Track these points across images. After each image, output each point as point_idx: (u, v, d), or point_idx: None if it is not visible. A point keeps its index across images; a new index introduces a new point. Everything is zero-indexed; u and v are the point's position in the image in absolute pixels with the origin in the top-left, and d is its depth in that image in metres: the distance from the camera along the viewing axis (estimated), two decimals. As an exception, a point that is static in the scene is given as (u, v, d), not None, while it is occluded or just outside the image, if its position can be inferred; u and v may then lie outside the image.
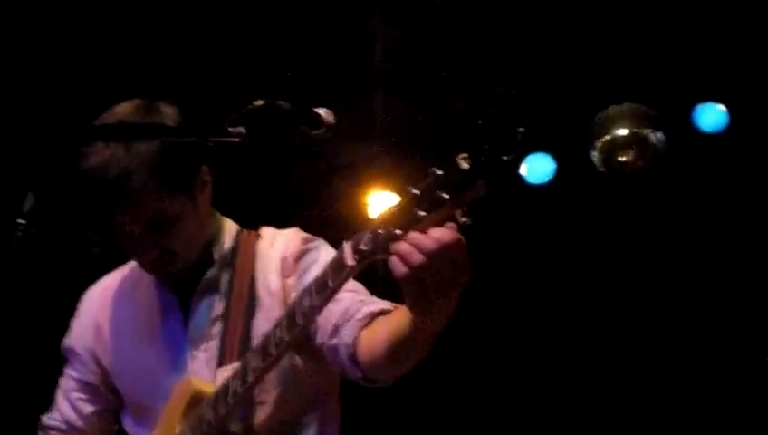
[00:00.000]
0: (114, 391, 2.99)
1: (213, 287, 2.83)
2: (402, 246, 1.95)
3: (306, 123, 2.50)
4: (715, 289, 6.08)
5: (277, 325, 2.37)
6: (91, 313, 3.03)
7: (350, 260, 2.10)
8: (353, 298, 2.56)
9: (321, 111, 2.55)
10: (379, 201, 6.29)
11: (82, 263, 3.10)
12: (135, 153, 2.56)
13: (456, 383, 6.44)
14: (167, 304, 2.87)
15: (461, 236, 1.95)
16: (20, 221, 1.74)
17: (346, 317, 2.53)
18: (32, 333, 4.63)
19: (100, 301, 3.03)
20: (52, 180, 1.76)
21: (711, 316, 6.07)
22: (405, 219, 1.96)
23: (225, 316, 2.77)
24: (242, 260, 2.83)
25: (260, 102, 2.43)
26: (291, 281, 2.75)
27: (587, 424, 6.34)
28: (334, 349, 2.55)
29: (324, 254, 2.75)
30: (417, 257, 1.93)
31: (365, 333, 2.48)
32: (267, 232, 2.94)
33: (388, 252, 1.98)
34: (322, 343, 2.60)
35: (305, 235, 2.87)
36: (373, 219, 2.07)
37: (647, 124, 5.83)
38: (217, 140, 2.34)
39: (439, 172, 1.91)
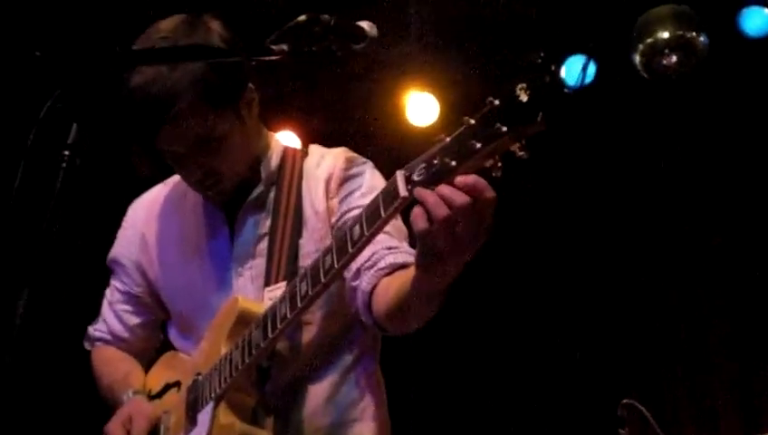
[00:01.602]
0: (159, 303, 3.01)
1: (259, 205, 2.82)
2: (430, 197, 1.93)
3: (349, 37, 2.47)
4: (754, 194, 6.04)
5: (327, 252, 2.33)
6: (138, 225, 3.04)
7: (402, 191, 2.05)
8: (384, 242, 2.53)
9: (365, 25, 2.51)
10: (416, 102, 6.24)
11: (128, 188, 3.08)
12: (180, 71, 2.54)
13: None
14: (213, 220, 2.87)
15: (493, 194, 1.93)
16: (65, 152, 1.73)
17: (370, 263, 2.53)
18: (77, 266, 4.69)
19: (146, 213, 3.04)
20: (96, 107, 1.75)
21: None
22: (460, 150, 1.92)
23: (271, 234, 2.77)
24: (288, 178, 2.82)
25: (302, 18, 2.40)
26: (333, 203, 2.74)
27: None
28: (353, 290, 2.58)
29: (369, 178, 2.74)
30: (442, 211, 1.92)
31: (383, 283, 2.49)
32: (315, 150, 2.92)
33: (441, 183, 1.95)
34: (345, 280, 2.61)
35: (351, 155, 2.84)
36: (428, 149, 2.01)
37: (690, 27, 5.70)
38: (260, 58, 2.33)
39: (496, 102, 1.86)
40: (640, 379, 6.31)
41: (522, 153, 1.87)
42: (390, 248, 2.55)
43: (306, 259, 2.67)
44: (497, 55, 6.10)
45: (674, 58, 5.68)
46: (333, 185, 2.76)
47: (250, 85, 2.74)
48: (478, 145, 1.88)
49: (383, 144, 6.40)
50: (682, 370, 6.27)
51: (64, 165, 1.71)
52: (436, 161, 1.97)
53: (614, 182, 6.32)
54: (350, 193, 2.72)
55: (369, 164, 2.82)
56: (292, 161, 2.86)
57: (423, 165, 2.02)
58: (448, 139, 1.96)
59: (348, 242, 2.24)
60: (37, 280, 1.71)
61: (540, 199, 6.29)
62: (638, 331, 6.42)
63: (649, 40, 5.72)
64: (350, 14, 2.53)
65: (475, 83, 6.17)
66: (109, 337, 3.09)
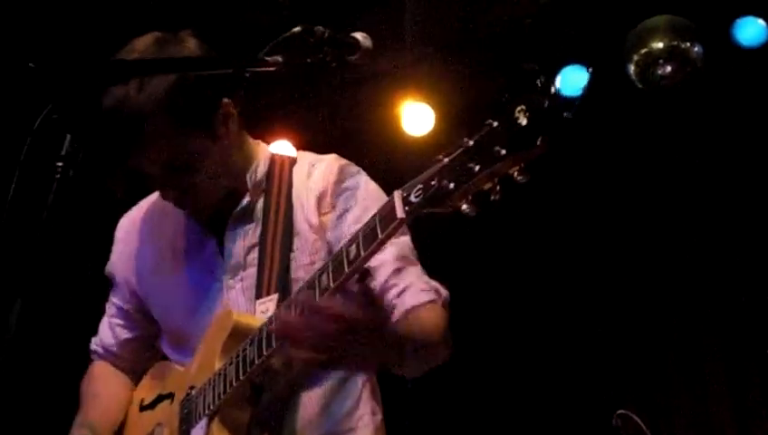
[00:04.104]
0: (150, 319, 2.99)
1: (247, 215, 2.79)
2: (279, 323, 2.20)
3: (343, 49, 2.48)
4: (750, 201, 6.05)
5: (322, 271, 2.33)
6: (125, 241, 3.02)
7: (400, 212, 2.06)
8: (384, 274, 2.59)
9: (359, 36, 2.52)
10: (412, 111, 6.25)
11: (121, 200, 3.08)
12: (148, 93, 2.49)
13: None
14: (197, 234, 2.85)
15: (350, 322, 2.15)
16: (58, 164, 1.73)
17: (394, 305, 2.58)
18: (70, 277, 4.69)
19: (132, 229, 3.02)
20: (84, 119, 1.75)
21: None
22: (458, 172, 1.93)
23: (261, 245, 2.74)
24: (277, 187, 2.79)
25: (297, 29, 2.40)
26: (328, 218, 2.72)
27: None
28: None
29: (363, 191, 2.72)
30: (302, 335, 2.19)
31: None
32: (304, 157, 2.88)
33: (439, 206, 1.96)
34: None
35: (343, 163, 2.81)
36: (425, 161, 2.03)
37: (685, 37, 5.72)
38: (254, 69, 2.33)
39: (495, 124, 1.86)
40: (635, 389, 6.31)
41: (521, 177, 1.87)
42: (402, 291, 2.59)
43: (299, 271, 2.66)
44: (492, 65, 6.11)
45: (668, 68, 5.70)
46: (328, 199, 2.73)
47: (226, 100, 2.67)
48: (477, 168, 1.88)
49: (379, 154, 6.40)
50: (676, 380, 6.28)
51: (58, 176, 1.71)
52: (433, 183, 1.98)
53: (609, 192, 6.32)
54: (346, 210, 2.69)
55: (363, 175, 2.80)
56: (280, 169, 2.83)
57: (420, 186, 2.03)
58: (446, 159, 1.97)
59: (344, 262, 2.24)
60: (30, 291, 1.71)
61: (535, 209, 6.29)
62: (632, 341, 6.42)
63: (644, 50, 5.74)
64: (346, 26, 2.54)
65: (470, 93, 6.18)
66: (101, 350, 3.09)
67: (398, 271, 2.60)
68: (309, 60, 2.41)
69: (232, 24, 4.73)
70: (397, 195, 2.08)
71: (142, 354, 3.07)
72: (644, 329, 6.38)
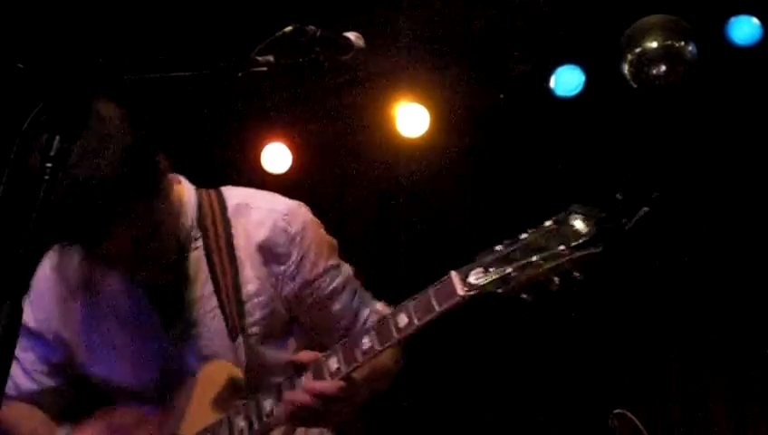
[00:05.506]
0: (80, 373, 2.85)
1: (192, 267, 2.73)
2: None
3: (336, 48, 2.47)
4: (745, 200, 6.04)
5: (365, 333, 2.41)
6: (53, 296, 2.84)
7: (459, 290, 2.23)
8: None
9: (351, 36, 2.52)
10: (407, 112, 6.24)
11: None
12: (96, 181, 2.36)
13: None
14: (143, 293, 2.75)
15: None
16: (47, 165, 1.72)
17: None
18: None
19: (49, 283, 2.84)
20: (75, 122, 1.74)
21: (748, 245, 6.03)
22: (522, 264, 2.08)
23: (217, 293, 2.70)
24: (211, 220, 2.73)
25: (288, 29, 2.39)
26: (279, 269, 2.72)
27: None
28: None
29: (312, 238, 2.74)
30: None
31: None
32: (231, 194, 2.81)
33: (498, 289, 2.13)
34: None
35: (283, 208, 2.76)
36: (484, 253, 2.19)
37: (679, 37, 5.71)
38: (246, 70, 2.31)
39: (554, 225, 2.06)
40: (632, 389, 6.30)
41: (577, 274, 2.05)
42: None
43: (253, 314, 2.71)
44: (487, 66, 6.11)
45: (663, 67, 5.69)
46: (276, 251, 2.71)
47: (160, 156, 2.58)
48: (535, 258, 2.07)
49: (373, 155, 6.41)
50: (674, 380, 6.26)
51: (47, 177, 1.70)
52: (492, 269, 2.15)
53: (603, 190, 6.30)
54: (301, 262, 2.72)
55: (305, 219, 2.78)
56: (209, 205, 2.76)
57: (480, 269, 2.18)
58: (506, 249, 2.13)
59: (393, 329, 2.34)
60: (19, 293, 1.70)
61: (535, 208, 6.28)
62: (629, 341, 6.41)
63: (638, 50, 5.73)
64: (340, 26, 2.53)
65: (464, 94, 6.18)
66: (14, 393, 2.80)
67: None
68: (301, 60, 2.40)
69: (224, 24, 4.73)
70: (454, 275, 2.23)
71: (63, 402, 2.90)
72: (641, 328, 6.37)
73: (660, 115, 5.97)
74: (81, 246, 2.59)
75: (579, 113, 6.06)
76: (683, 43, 5.68)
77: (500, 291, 2.14)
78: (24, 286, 1.71)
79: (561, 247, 2.03)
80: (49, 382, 2.87)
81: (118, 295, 2.77)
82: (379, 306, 2.84)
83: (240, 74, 2.33)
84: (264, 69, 2.35)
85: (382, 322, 2.37)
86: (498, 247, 2.16)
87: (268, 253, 2.70)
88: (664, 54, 5.68)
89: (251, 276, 2.70)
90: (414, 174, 6.46)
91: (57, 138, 1.71)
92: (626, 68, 5.76)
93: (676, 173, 6.09)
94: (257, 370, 2.68)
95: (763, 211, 5.89)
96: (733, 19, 5.67)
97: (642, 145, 6.09)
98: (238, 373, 2.64)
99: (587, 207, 2.07)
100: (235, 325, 2.66)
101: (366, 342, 2.36)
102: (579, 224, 2.03)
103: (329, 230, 2.82)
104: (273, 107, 6.09)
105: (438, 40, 5.97)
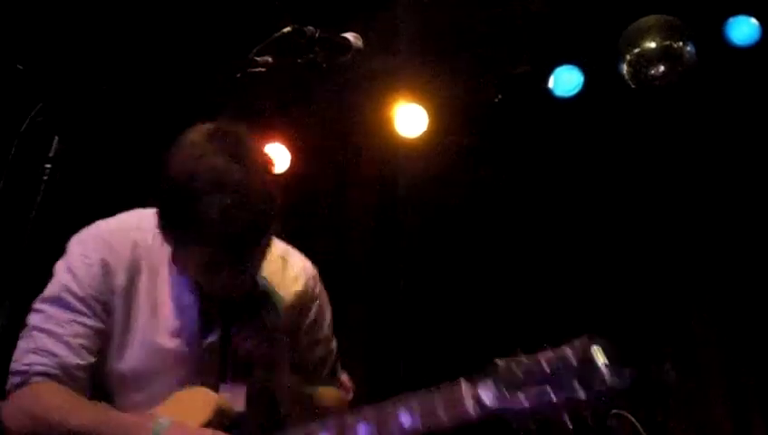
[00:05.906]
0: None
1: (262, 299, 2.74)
2: None
3: (334, 49, 2.47)
4: (745, 201, 6.05)
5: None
6: (117, 265, 2.60)
7: (471, 410, 2.22)
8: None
9: (350, 36, 2.52)
10: (405, 113, 6.25)
11: (108, 200, 3.02)
12: (263, 205, 2.35)
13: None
14: (201, 311, 2.67)
15: None
16: (46, 165, 1.72)
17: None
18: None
19: (115, 257, 2.60)
20: (77, 124, 1.74)
21: (738, 232, 6.05)
22: (536, 392, 2.11)
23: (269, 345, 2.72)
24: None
25: (287, 30, 2.40)
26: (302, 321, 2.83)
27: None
28: None
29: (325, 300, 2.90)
30: None
31: None
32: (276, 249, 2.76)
33: (508, 416, 2.11)
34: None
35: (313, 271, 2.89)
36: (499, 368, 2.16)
37: (677, 37, 5.72)
38: (245, 70, 2.32)
39: (574, 359, 2.05)
40: (630, 389, 6.29)
41: (589, 415, 2.09)
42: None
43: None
44: (485, 66, 6.12)
45: (661, 68, 5.70)
46: (306, 304, 2.83)
47: None
48: (554, 398, 2.07)
49: (372, 155, 6.41)
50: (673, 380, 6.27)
51: (45, 178, 1.71)
52: (506, 393, 2.15)
53: (602, 191, 6.32)
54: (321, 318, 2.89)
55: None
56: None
57: (493, 388, 2.18)
58: (522, 375, 2.12)
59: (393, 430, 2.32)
60: (18, 293, 1.71)
61: (533, 208, 6.30)
62: (629, 341, 6.41)
63: (637, 50, 5.74)
64: (339, 27, 2.54)
65: (463, 94, 6.19)
66: (58, 371, 2.51)
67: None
68: (299, 60, 2.41)
69: (224, 24, 4.73)
70: (465, 388, 2.23)
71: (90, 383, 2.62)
72: (639, 329, 6.37)
73: (659, 115, 5.98)
74: (221, 253, 2.43)
75: (578, 113, 6.07)
76: (681, 44, 5.69)
77: (508, 417, 2.14)
78: (23, 287, 1.72)
79: (583, 393, 2.04)
80: (90, 359, 2.55)
81: (177, 297, 2.67)
82: (344, 378, 2.99)
83: (239, 75, 2.35)
84: (263, 69, 2.36)
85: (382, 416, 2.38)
86: (514, 365, 2.14)
87: (299, 302, 2.80)
88: (662, 55, 5.69)
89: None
90: (412, 174, 6.47)
91: (56, 139, 1.72)
92: (624, 68, 5.77)
93: (675, 173, 6.10)
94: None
95: (763, 211, 5.90)
96: (731, 19, 5.68)
97: (641, 145, 6.10)
98: (228, 405, 2.60)
99: (608, 347, 2.09)
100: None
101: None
102: (602, 369, 2.04)
103: (328, 230, 2.84)
104: (271, 107, 6.09)
105: (437, 41, 5.97)
